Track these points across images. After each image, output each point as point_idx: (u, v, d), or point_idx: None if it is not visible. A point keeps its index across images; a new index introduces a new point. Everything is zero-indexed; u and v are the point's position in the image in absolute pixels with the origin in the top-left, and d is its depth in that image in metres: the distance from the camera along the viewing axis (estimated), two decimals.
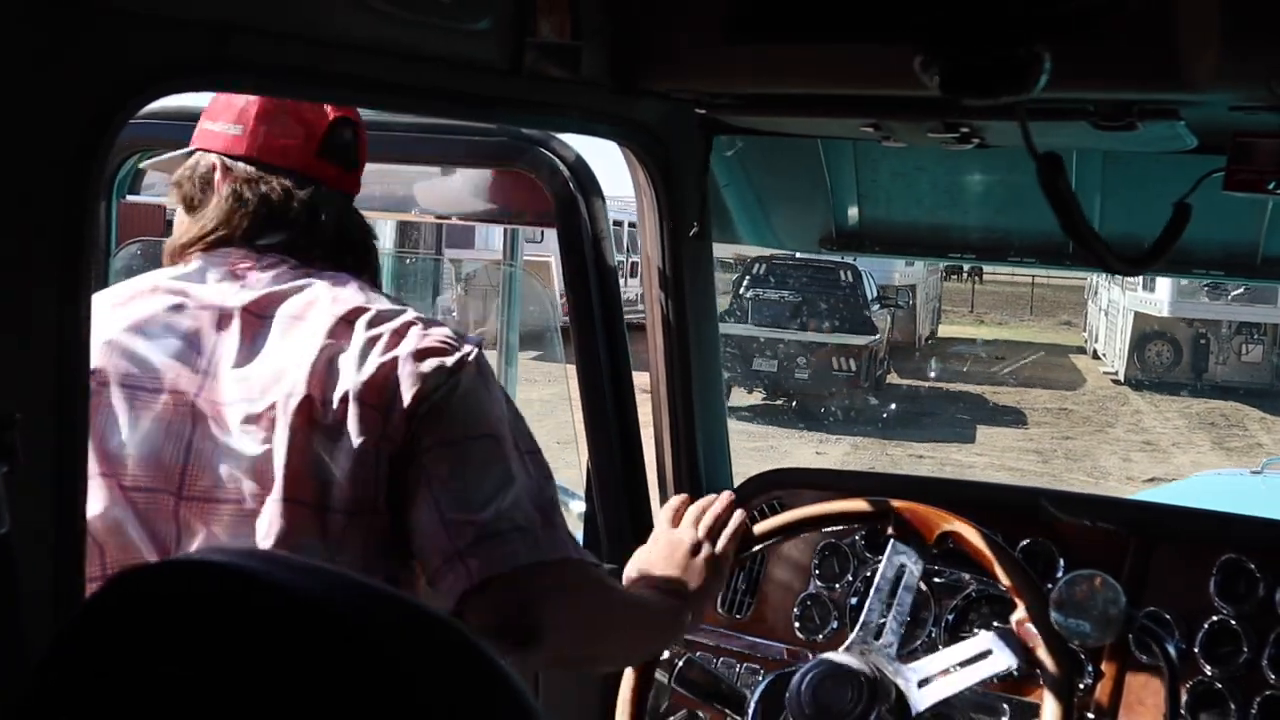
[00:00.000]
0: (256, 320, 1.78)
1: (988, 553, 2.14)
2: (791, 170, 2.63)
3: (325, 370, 1.71)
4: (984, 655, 2.11)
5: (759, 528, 2.36)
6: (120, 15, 1.27)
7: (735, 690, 2.32)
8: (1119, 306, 20.86)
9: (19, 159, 1.20)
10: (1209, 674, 2.22)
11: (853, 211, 2.67)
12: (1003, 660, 2.09)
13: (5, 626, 1.19)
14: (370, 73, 1.61)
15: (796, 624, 2.51)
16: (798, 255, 16.38)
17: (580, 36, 1.85)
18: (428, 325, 1.77)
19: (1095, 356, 23.38)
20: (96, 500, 1.67)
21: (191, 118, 2.47)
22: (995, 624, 2.32)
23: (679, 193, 2.41)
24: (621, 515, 2.61)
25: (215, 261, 1.84)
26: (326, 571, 0.80)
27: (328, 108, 1.91)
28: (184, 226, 1.90)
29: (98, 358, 1.72)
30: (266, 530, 1.68)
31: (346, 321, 1.75)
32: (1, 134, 1.18)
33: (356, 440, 1.69)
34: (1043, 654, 2.05)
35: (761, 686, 2.23)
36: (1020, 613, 2.09)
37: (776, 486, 2.66)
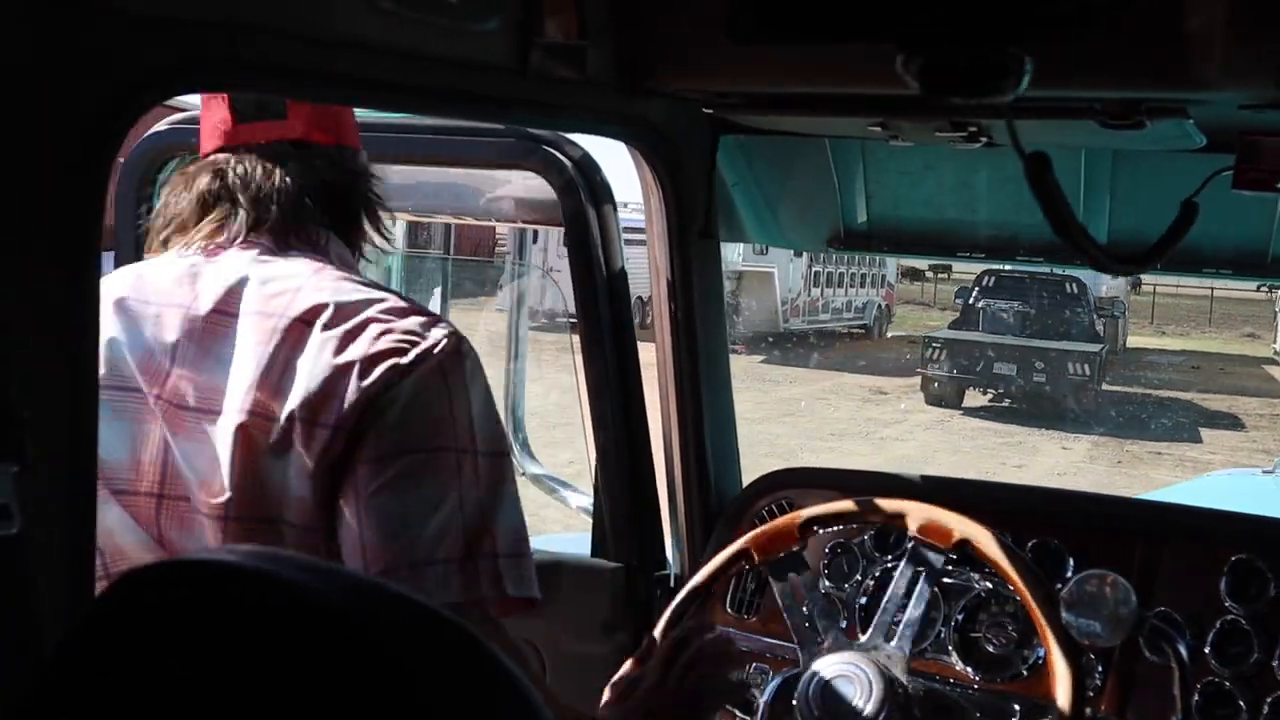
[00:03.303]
0: (220, 319, 1.72)
1: (998, 554, 2.14)
2: (799, 169, 2.63)
3: (274, 384, 1.64)
4: (994, 657, 2.11)
5: (773, 526, 2.34)
6: (129, 16, 1.27)
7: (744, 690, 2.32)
8: None
9: (29, 159, 1.21)
10: (1219, 674, 2.21)
11: (861, 211, 2.66)
12: (1012, 662, 2.09)
13: (16, 626, 1.19)
14: (378, 73, 1.62)
15: (805, 624, 2.51)
16: (1024, 268, 17.60)
17: (587, 36, 1.85)
18: (393, 317, 1.68)
19: None
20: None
21: None
22: (1008, 624, 2.31)
23: (686, 192, 2.41)
24: (628, 515, 2.61)
25: (187, 252, 1.81)
26: (334, 570, 0.80)
27: None
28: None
29: None
30: (229, 541, 1.65)
31: (303, 323, 1.67)
32: (12, 134, 1.19)
33: (305, 459, 1.62)
34: (1054, 654, 2.04)
35: (771, 687, 2.23)
36: (1033, 615, 2.08)
37: (785, 486, 2.66)
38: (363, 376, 1.62)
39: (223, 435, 1.65)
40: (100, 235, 1.30)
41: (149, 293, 1.78)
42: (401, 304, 1.72)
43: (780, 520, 2.33)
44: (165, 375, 1.71)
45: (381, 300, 1.71)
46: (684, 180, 2.40)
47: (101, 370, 1.71)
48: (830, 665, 2.13)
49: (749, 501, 2.67)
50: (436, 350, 1.66)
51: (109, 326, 1.75)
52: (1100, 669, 2.24)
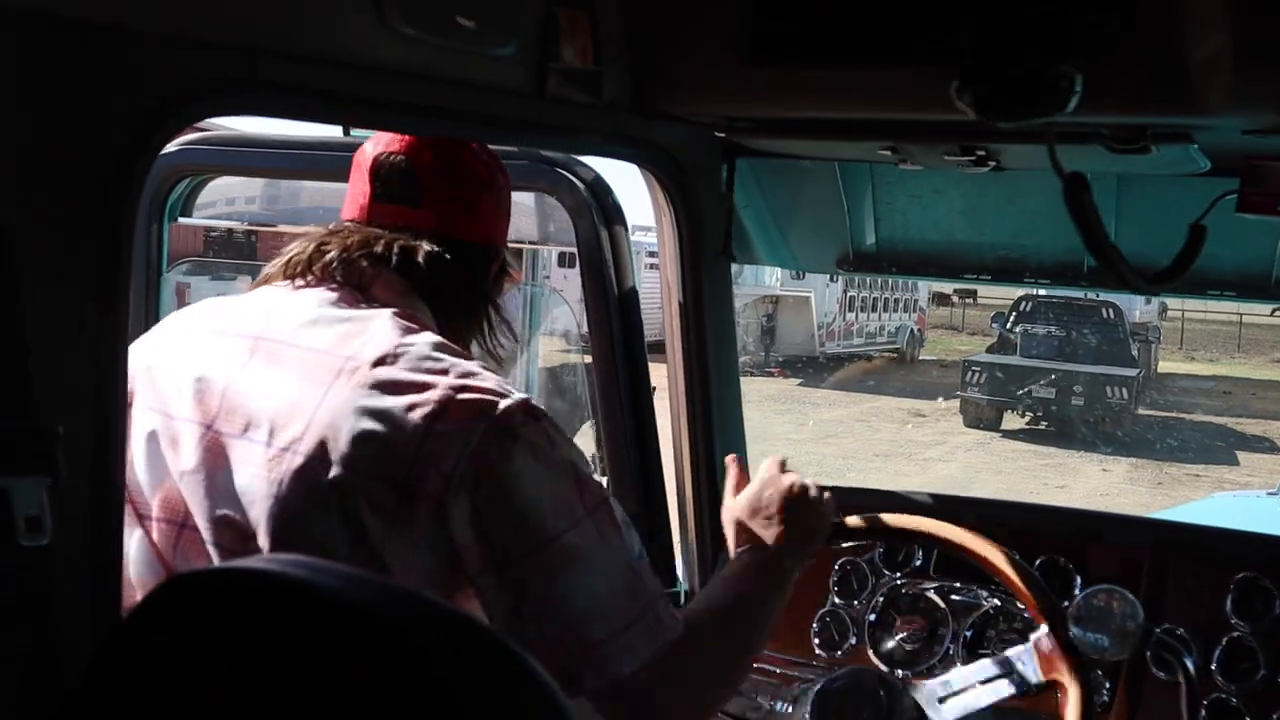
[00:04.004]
0: (285, 350, 1.70)
1: (1008, 570, 2.15)
2: (808, 192, 2.66)
3: (326, 426, 1.60)
4: (1004, 673, 2.13)
5: None
6: (154, 40, 1.30)
7: (754, 705, 2.33)
8: None
9: (59, 180, 1.23)
10: (1225, 690, 2.23)
11: (869, 233, 2.69)
12: (1022, 678, 2.11)
13: (44, 635, 1.21)
14: (395, 95, 1.64)
15: (815, 640, 2.53)
16: (1060, 293, 17.85)
17: (601, 61, 1.88)
18: (463, 380, 1.63)
19: None
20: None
21: (241, 143, 2.51)
22: (1015, 640, 2.33)
23: (698, 215, 2.44)
24: (639, 533, 2.62)
25: (276, 287, 1.82)
26: (373, 580, 0.82)
27: (377, 147, 1.88)
28: None
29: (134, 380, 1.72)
30: None
31: (367, 369, 1.63)
32: (41, 156, 1.22)
33: (360, 513, 1.57)
34: (1062, 670, 2.06)
35: (782, 702, 2.24)
36: (1040, 631, 2.10)
37: None
38: (445, 441, 1.58)
39: (265, 469, 1.62)
40: (129, 254, 1.32)
41: (222, 324, 1.78)
42: (467, 366, 1.67)
43: None
44: (218, 403, 1.69)
45: (454, 363, 1.66)
46: (695, 202, 2.43)
47: (156, 396, 1.72)
48: (840, 680, 2.15)
49: None
50: (513, 424, 1.61)
51: (177, 354, 1.76)
52: (1108, 685, 2.25)
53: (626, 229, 2.54)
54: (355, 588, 0.79)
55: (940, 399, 20.65)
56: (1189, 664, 2.18)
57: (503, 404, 1.61)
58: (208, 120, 1.87)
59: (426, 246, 1.81)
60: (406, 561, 1.59)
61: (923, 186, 2.55)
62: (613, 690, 1.64)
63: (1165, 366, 26.64)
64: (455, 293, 1.85)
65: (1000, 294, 27.46)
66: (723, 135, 2.35)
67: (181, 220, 2.83)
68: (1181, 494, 14.62)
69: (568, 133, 2.06)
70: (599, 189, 2.50)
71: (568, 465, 1.65)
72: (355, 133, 2.53)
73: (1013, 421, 19.23)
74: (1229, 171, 1.95)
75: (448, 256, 1.82)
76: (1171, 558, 2.38)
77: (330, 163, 2.58)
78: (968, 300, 33.84)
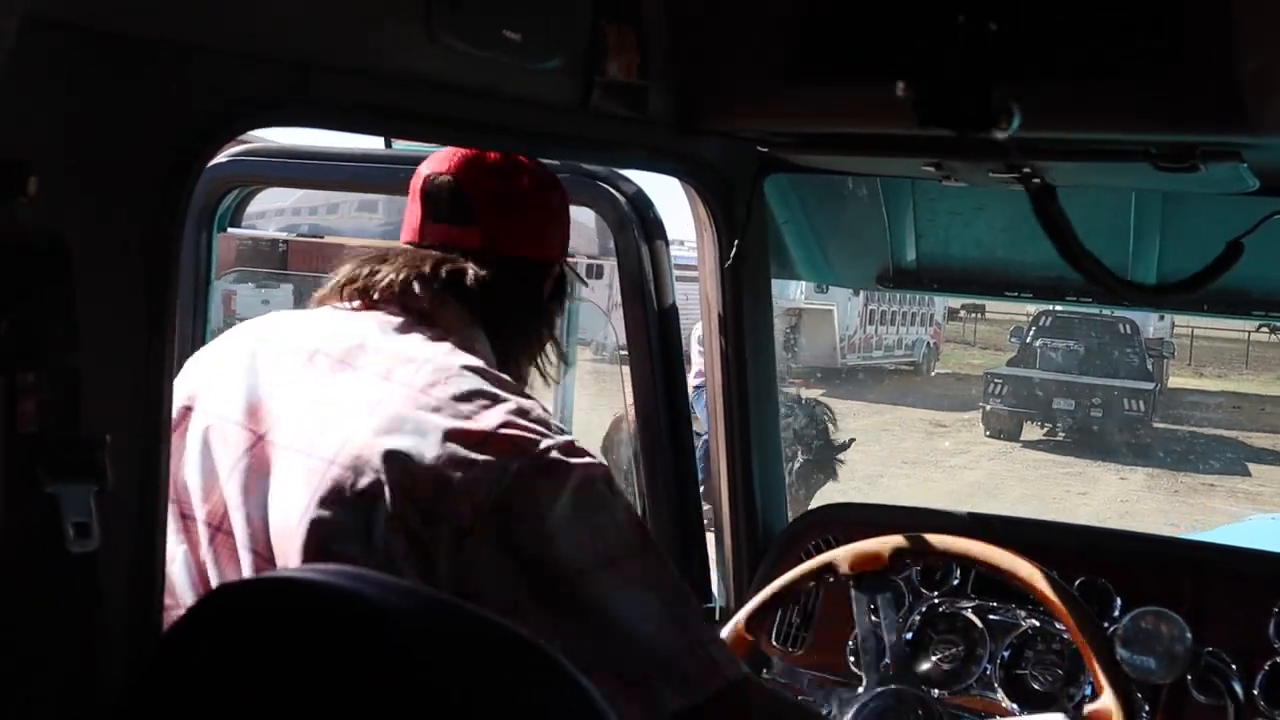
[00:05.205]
0: (337, 367, 1.71)
1: (1049, 591, 2.13)
2: (850, 208, 2.66)
3: (367, 442, 1.60)
4: (1040, 694, 2.11)
5: (802, 569, 2.33)
6: (206, 53, 1.31)
7: None
8: None
9: (111, 194, 1.25)
10: (1269, 715, 2.21)
11: (910, 249, 2.68)
12: (1058, 700, 2.09)
13: (89, 637, 1.22)
14: (441, 109, 1.65)
15: (851, 658, 2.52)
16: (1077, 309, 18.58)
17: (647, 76, 1.89)
18: (510, 415, 1.62)
19: None
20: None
21: (288, 155, 2.54)
22: (1054, 662, 2.31)
23: (739, 229, 2.44)
24: (675, 546, 2.62)
25: (335, 306, 1.84)
26: (414, 589, 0.83)
27: (429, 168, 1.88)
28: None
29: (189, 389, 1.77)
30: None
31: (415, 393, 1.63)
32: (94, 170, 1.23)
33: (387, 531, 1.56)
34: (1107, 693, 2.03)
35: None
36: (1085, 653, 2.06)
37: (832, 521, 2.67)
38: (474, 474, 1.57)
39: (304, 479, 1.62)
40: (177, 266, 1.34)
41: (280, 337, 1.80)
42: (518, 402, 1.66)
43: (872, 541, 2.30)
44: (268, 414, 1.71)
45: (506, 396, 1.66)
46: (736, 217, 2.43)
47: (215, 402, 1.74)
48: (876, 700, 2.14)
49: (796, 536, 2.69)
50: (574, 470, 1.60)
51: (237, 365, 1.78)
52: (1148, 709, 2.23)
53: (668, 244, 2.55)
54: (396, 597, 0.79)
55: (958, 411, 21.14)
56: (1236, 687, 2.16)
57: (545, 442, 1.60)
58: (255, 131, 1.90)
59: (475, 266, 1.80)
60: (424, 582, 1.57)
61: (965, 203, 2.55)
62: (696, 713, 1.60)
63: (1175, 382, 27.09)
64: (510, 313, 1.84)
65: (1008, 309, 28.07)
66: (765, 150, 2.35)
67: (232, 230, 2.87)
68: (1198, 501, 15.13)
69: (611, 147, 2.07)
70: (640, 203, 2.51)
71: (609, 507, 1.63)
72: (397, 145, 2.56)
73: (1032, 432, 19.75)
74: (1277, 190, 1.94)
75: (500, 274, 1.81)
76: (1212, 580, 2.36)
77: (375, 174, 2.60)
78: (974, 314, 34.13)
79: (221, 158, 2.74)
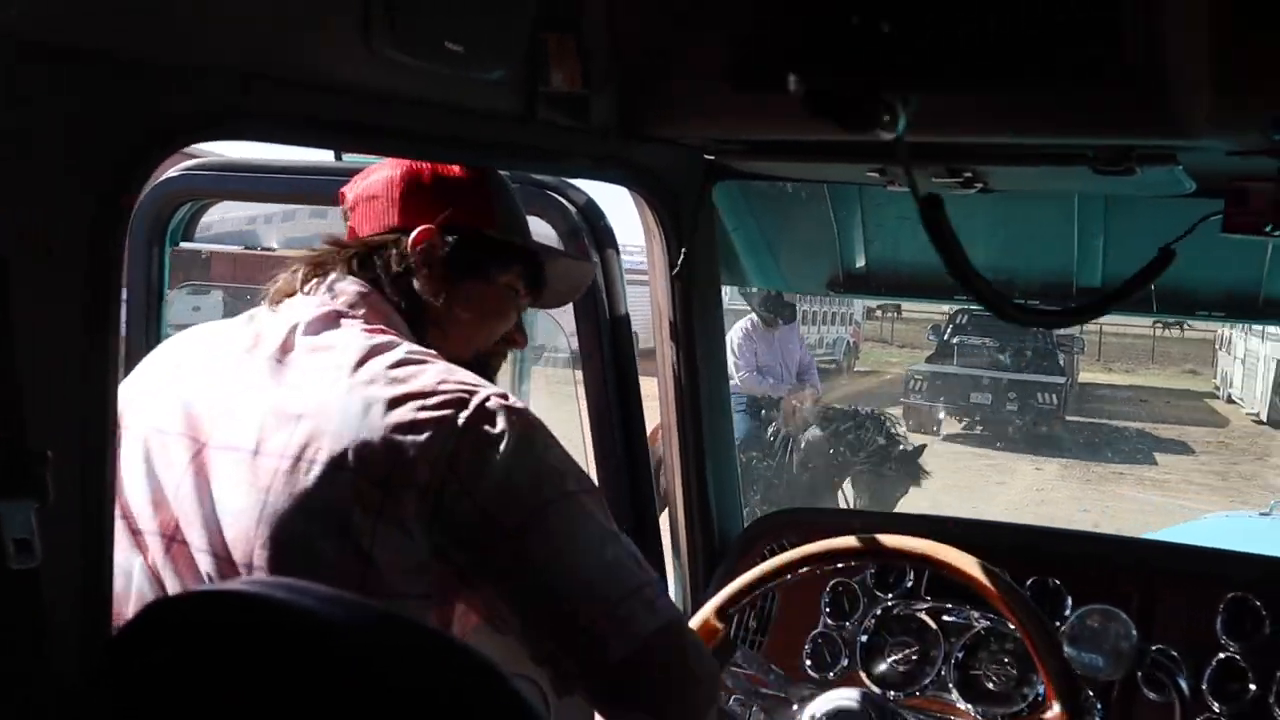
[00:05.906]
0: (266, 362, 1.76)
1: (999, 591, 2.15)
2: (799, 214, 2.67)
3: (311, 430, 1.64)
4: (995, 694, 2.12)
5: (773, 563, 2.34)
6: (144, 66, 1.31)
7: None
8: (1259, 355, 23.15)
9: (51, 207, 1.24)
10: (1216, 710, 2.23)
11: (860, 254, 2.70)
12: (1013, 699, 2.10)
13: (36, 656, 1.21)
14: (387, 121, 1.65)
15: (807, 662, 2.53)
16: None
17: (590, 85, 1.89)
18: (440, 375, 1.69)
19: (1229, 401, 25.55)
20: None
21: (239, 169, 2.55)
22: (1006, 661, 2.33)
23: (687, 236, 2.45)
24: None
25: (261, 310, 1.89)
26: (356, 602, 0.83)
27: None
28: None
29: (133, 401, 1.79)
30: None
31: (346, 375, 1.68)
32: (32, 183, 1.22)
33: (348, 514, 1.60)
34: (1054, 692, 2.04)
35: None
36: (1033, 652, 2.07)
37: (787, 526, 2.68)
38: (431, 434, 1.61)
39: (251, 479, 1.65)
40: (120, 278, 1.33)
41: (207, 346, 1.85)
42: (453, 366, 1.73)
43: (831, 540, 2.29)
44: (206, 419, 1.74)
45: (429, 364, 1.71)
46: (685, 224, 2.44)
47: (150, 415, 1.77)
48: (830, 702, 2.15)
49: (751, 540, 2.70)
50: (496, 417, 1.65)
51: (169, 376, 1.82)
52: (1100, 707, 2.25)
53: (618, 253, 2.55)
54: (339, 610, 0.79)
55: (880, 406, 21.47)
56: (1182, 683, 2.18)
57: (482, 392, 1.67)
58: (203, 146, 1.90)
59: (358, 252, 1.89)
60: (394, 558, 1.61)
61: (912, 208, 2.55)
62: (644, 652, 1.65)
63: (1085, 376, 27.94)
64: (400, 288, 1.88)
65: (925, 309, 28.58)
66: (712, 158, 2.36)
67: (185, 245, 2.88)
68: (1109, 489, 15.66)
69: (557, 156, 2.08)
70: (591, 213, 2.51)
71: (552, 447, 1.70)
72: (347, 158, 2.56)
73: (951, 426, 20.23)
74: (1214, 193, 1.96)
75: (373, 255, 1.89)
76: (1162, 578, 2.39)
77: (326, 187, 2.59)
78: (890, 314, 34.68)
79: (173, 172, 2.74)
